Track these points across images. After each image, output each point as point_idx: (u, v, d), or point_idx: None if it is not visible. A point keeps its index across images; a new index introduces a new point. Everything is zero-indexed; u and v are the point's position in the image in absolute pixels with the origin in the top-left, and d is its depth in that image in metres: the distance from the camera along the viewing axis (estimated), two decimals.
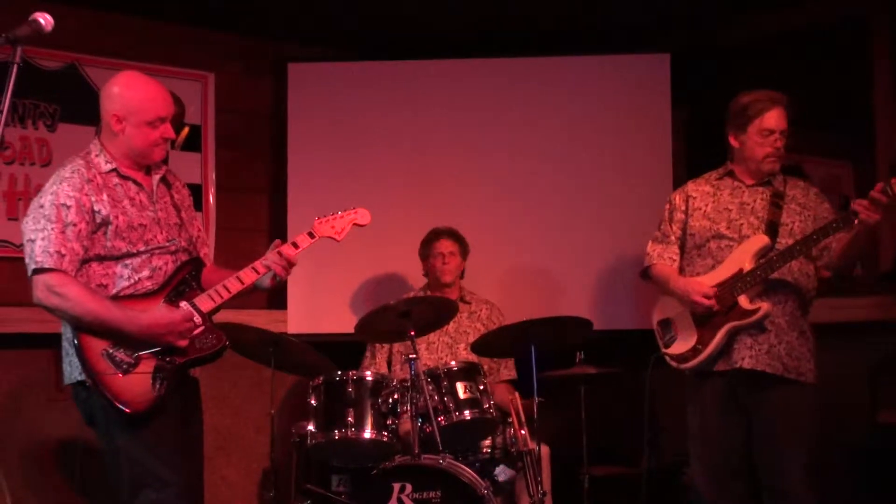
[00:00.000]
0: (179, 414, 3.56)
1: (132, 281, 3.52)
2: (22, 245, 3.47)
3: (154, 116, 3.54)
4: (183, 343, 3.48)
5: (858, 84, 5.30)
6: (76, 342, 3.42)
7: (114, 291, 3.50)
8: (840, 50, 5.42)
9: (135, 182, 3.61)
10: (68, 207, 3.42)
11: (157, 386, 3.41)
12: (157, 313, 3.45)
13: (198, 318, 3.54)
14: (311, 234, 3.89)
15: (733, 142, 4.27)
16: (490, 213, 5.78)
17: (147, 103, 3.54)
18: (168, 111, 3.59)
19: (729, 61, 5.73)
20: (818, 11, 5.42)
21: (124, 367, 3.41)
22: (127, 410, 3.37)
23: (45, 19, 2.82)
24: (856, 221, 3.86)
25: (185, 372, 3.59)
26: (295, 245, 3.79)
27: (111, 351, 3.41)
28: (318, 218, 3.98)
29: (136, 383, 3.40)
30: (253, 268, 3.67)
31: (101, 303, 3.41)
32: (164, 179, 3.74)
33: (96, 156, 3.58)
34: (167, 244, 3.60)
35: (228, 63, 5.82)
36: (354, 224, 4.03)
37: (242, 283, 3.65)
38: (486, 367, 4.89)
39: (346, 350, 5.30)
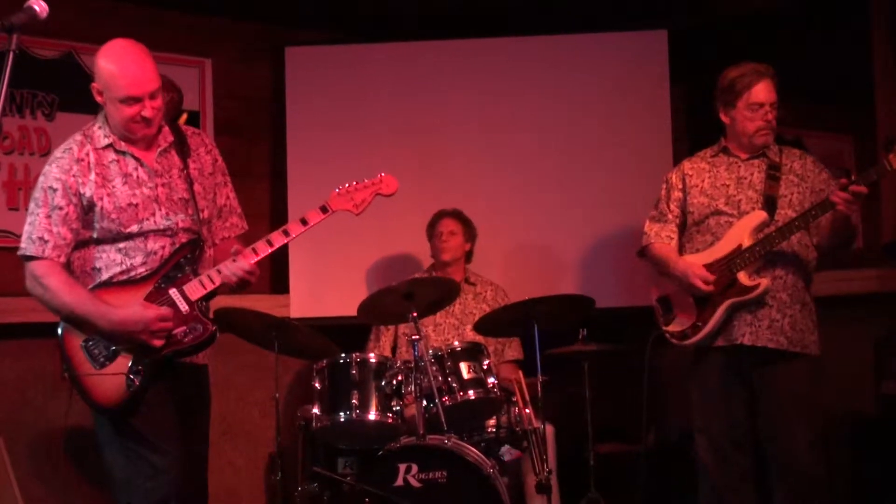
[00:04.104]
0: (175, 403, 3.49)
1: (125, 266, 3.43)
2: (20, 235, 3.46)
3: (124, 95, 3.37)
4: (157, 343, 3.37)
5: (858, 57, 5.29)
6: (59, 332, 3.41)
7: (107, 276, 3.43)
8: (839, 23, 5.41)
9: (133, 157, 3.50)
10: (55, 191, 3.38)
11: (131, 382, 3.35)
12: (131, 310, 3.35)
13: (184, 307, 3.43)
14: (324, 209, 3.68)
15: (724, 118, 4.26)
16: (491, 194, 5.77)
17: (118, 80, 3.37)
18: (141, 91, 3.38)
19: (727, 36, 5.72)
20: None
21: (101, 360, 3.36)
22: (101, 408, 3.37)
23: (39, 6, 2.81)
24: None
25: (178, 361, 3.50)
26: (269, 243, 3.54)
27: (89, 344, 3.38)
28: (338, 188, 3.74)
29: (109, 380, 3.35)
30: (216, 270, 3.49)
31: (77, 296, 3.35)
32: (178, 148, 3.59)
33: (98, 128, 3.49)
34: (163, 227, 3.47)
35: (225, 48, 5.81)
36: (378, 194, 3.77)
37: (212, 283, 3.50)
38: (491, 349, 4.90)
39: (349, 333, 5.31)
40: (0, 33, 2.76)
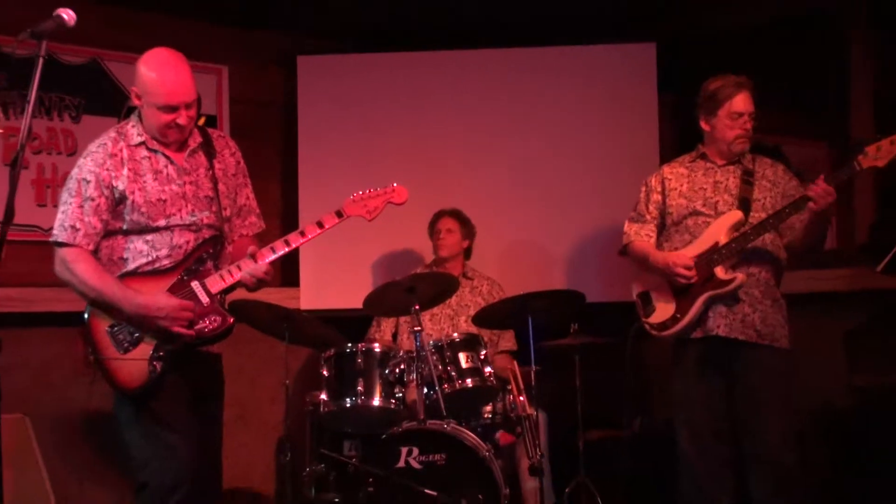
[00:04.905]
0: (192, 388, 3.51)
1: (150, 258, 3.44)
2: (49, 229, 3.46)
3: (163, 102, 3.37)
4: (178, 329, 3.38)
5: (834, 69, 5.29)
6: (86, 317, 3.42)
7: (133, 266, 3.44)
8: (818, 38, 5.41)
9: (164, 155, 3.50)
10: (88, 182, 3.38)
11: (153, 367, 3.37)
12: (155, 296, 3.37)
13: (205, 299, 3.45)
14: (339, 214, 3.68)
15: (704, 125, 4.28)
16: (491, 195, 5.78)
17: (158, 88, 3.36)
18: (179, 100, 3.38)
19: (712, 49, 5.72)
20: (798, 0, 5.42)
21: (125, 345, 3.38)
22: (124, 390, 3.38)
23: (67, 15, 2.83)
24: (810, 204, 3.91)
25: (196, 350, 3.51)
26: (286, 243, 3.57)
27: (114, 330, 3.39)
28: (353, 194, 3.74)
29: (132, 364, 3.37)
30: (237, 266, 3.51)
31: (104, 281, 3.36)
32: (205, 149, 3.59)
33: (132, 126, 3.49)
34: (188, 222, 3.49)
35: (241, 57, 5.81)
36: (390, 203, 3.78)
37: (232, 277, 3.52)
38: (486, 339, 4.91)
39: (355, 324, 5.33)
40: (30, 40, 2.77)
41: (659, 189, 4.37)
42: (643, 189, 4.44)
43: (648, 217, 4.38)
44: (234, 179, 3.70)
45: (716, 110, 4.20)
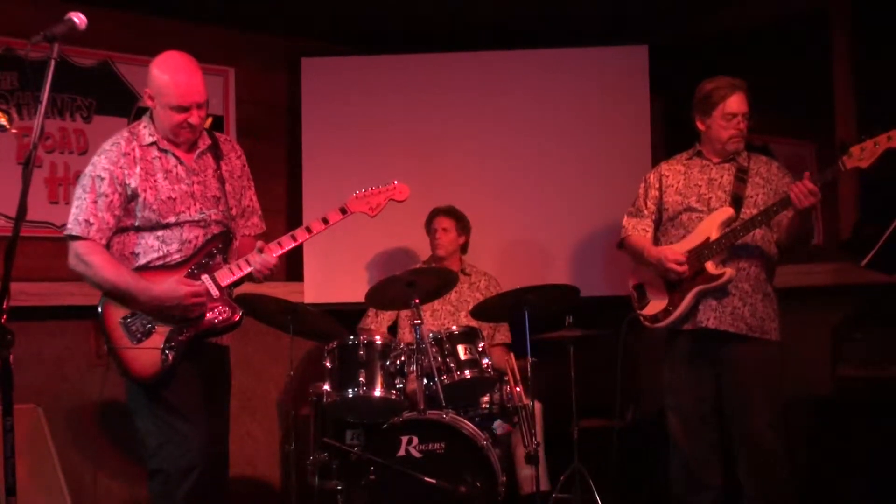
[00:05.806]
0: (201, 378, 3.52)
1: (161, 253, 3.47)
2: (63, 226, 3.46)
3: (176, 103, 3.40)
4: (192, 315, 3.41)
5: (820, 71, 5.28)
6: (100, 310, 3.42)
7: (144, 261, 3.46)
8: (803, 40, 5.40)
9: (174, 155, 3.52)
10: (102, 179, 3.39)
11: (166, 357, 3.38)
12: (168, 286, 3.38)
13: (215, 292, 3.47)
14: (342, 210, 3.73)
15: (700, 125, 4.27)
16: (488, 192, 5.77)
17: (170, 89, 3.40)
18: (190, 100, 3.42)
19: (702, 52, 5.71)
20: (784, 4, 5.40)
21: (138, 336, 3.38)
22: (137, 379, 3.39)
23: (79, 18, 2.81)
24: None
25: (205, 341, 3.53)
26: (293, 238, 3.63)
27: (128, 320, 3.40)
28: (356, 192, 3.80)
29: (146, 354, 3.38)
30: (245, 260, 3.55)
31: (118, 272, 3.37)
32: (213, 151, 3.62)
33: (144, 127, 3.51)
34: (197, 219, 3.51)
35: (247, 59, 5.79)
36: (391, 200, 3.86)
37: (240, 270, 3.56)
38: (483, 333, 4.89)
39: (357, 317, 5.32)
40: (43, 43, 2.76)
41: (657, 185, 4.36)
42: (642, 185, 4.43)
43: (646, 212, 4.38)
44: (239, 181, 3.73)
45: (711, 111, 4.19)
